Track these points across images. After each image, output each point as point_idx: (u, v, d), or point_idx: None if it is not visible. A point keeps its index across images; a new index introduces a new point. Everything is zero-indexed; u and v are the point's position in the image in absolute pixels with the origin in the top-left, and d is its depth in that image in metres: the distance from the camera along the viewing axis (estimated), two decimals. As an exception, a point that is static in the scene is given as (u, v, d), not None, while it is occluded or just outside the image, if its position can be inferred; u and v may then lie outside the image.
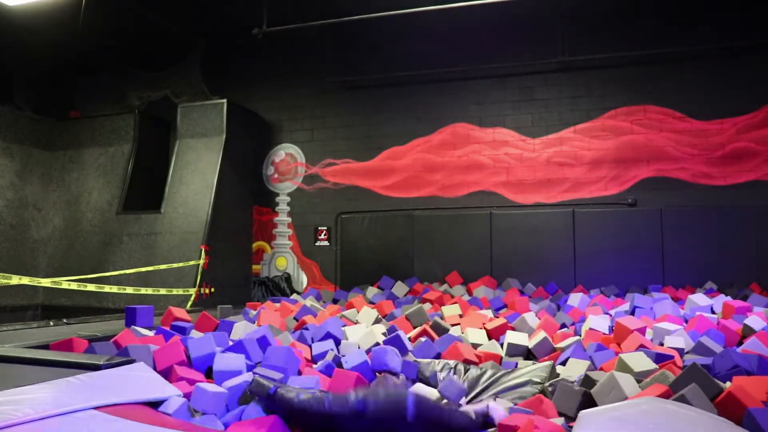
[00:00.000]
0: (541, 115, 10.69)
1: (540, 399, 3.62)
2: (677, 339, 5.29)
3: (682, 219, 9.67)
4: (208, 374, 4.40)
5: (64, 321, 7.09)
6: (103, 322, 7.19)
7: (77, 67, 13.33)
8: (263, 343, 5.00)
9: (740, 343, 5.48)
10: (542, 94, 10.74)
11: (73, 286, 8.28)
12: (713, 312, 6.95)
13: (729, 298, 7.41)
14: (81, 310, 10.09)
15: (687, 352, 5.09)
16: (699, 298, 7.24)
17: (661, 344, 5.34)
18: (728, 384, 3.76)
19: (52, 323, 6.89)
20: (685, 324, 6.21)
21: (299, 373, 4.66)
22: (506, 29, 10.77)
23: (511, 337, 5.57)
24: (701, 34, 9.93)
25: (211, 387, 3.73)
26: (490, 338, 5.90)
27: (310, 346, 5.43)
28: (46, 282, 8.72)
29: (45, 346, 4.86)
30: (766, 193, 9.52)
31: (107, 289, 8.59)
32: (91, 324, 6.97)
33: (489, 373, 4.38)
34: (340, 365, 4.75)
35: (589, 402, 3.63)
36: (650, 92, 10.19)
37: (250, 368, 4.42)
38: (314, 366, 4.91)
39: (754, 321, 5.77)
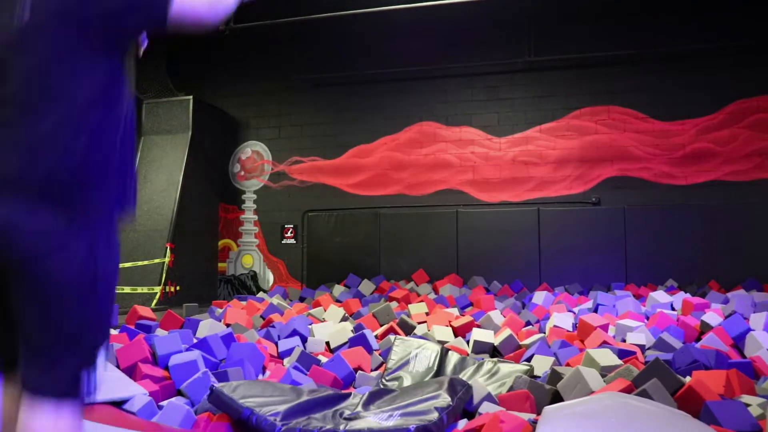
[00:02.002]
0: (507, 114, 10.79)
1: (526, 394, 3.66)
2: (639, 335, 5.40)
3: (644, 218, 9.85)
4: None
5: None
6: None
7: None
8: (228, 340, 4.98)
9: (699, 339, 5.61)
10: (508, 94, 10.84)
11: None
12: (673, 309, 7.09)
13: (688, 295, 7.57)
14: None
15: (648, 348, 5.19)
16: (660, 296, 7.39)
17: (624, 340, 5.44)
18: (688, 378, 3.86)
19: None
20: (646, 321, 6.34)
21: (264, 369, 4.67)
22: (473, 29, 10.84)
23: (477, 334, 5.62)
24: (663, 38, 10.13)
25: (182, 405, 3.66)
26: (456, 336, 5.94)
27: (276, 343, 5.43)
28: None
29: (5, 346, 4.75)
30: (725, 192, 9.74)
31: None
32: (52, 323, 6.84)
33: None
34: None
35: (555, 397, 3.69)
36: (614, 93, 10.36)
37: (214, 365, 4.41)
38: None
39: (711, 317, 5.91)
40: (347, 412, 3.35)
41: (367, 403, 3.47)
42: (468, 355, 5.10)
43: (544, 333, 5.96)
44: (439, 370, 4.54)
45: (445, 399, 3.34)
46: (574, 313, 6.83)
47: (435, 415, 3.11)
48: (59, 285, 1.50)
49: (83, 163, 1.52)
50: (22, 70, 1.49)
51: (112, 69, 1.59)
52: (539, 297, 7.96)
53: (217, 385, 3.39)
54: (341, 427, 3.07)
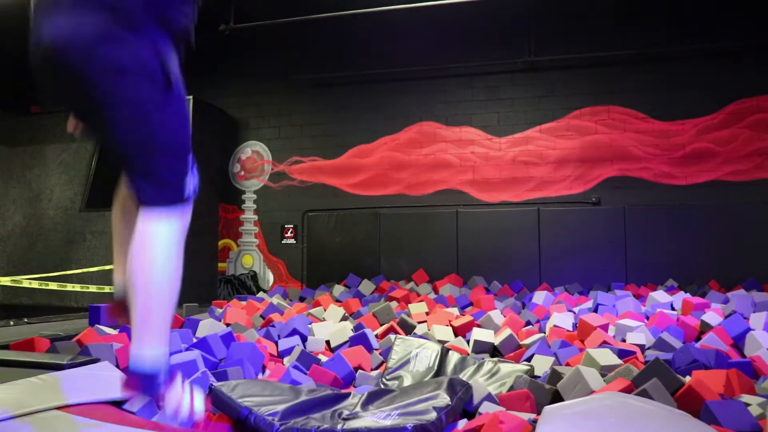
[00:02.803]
0: (507, 114, 10.80)
1: (526, 394, 3.66)
2: (639, 335, 5.40)
3: (644, 218, 9.86)
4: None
5: (26, 320, 6.95)
6: (65, 321, 7.07)
7: (38, 62, 13.06)
8: (227, 339, 4.98)
9: (698, 339, 5.62)
10: (508, 94, 10.84)
11: (35, 284, 8.14)
12: (673, 309, 7.10)
13: (688, 295, 7.57)
14: (43, 309, 9.91)
15: (648, 348, 5.19)
16: (660, 296, 7.39)
17: (623, 340, 5.45)
18: (688, 378, 3.86)
19: (12, 323, 6.76)
20: (646, 320, 6.34)
21: (263, 368, 4.67)
22: (473, 29, 10.85)
23: (478, 334, 5.62)
24: (663, 38, 10.13)
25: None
26: (456, 335, 5.94)
27: (276, 343, 5.43)
28: (5, 280, 8.55)
29: (5, 347, 4.76)
30: (725, 192, 9.75)
31: (70, 287, 8.46)
32: (53, 323, 6.85)
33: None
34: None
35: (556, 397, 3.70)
36: (614, 93, 10.36)
37: (213, 365, 4.41)
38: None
39: (711, 317, 5.91)
40: (346, 412, 3.35)
41: (366, 403, 3.47)
42: (468, 354, 5.10)
43: (544, 333, 5.96)
44: (440, 370, 4.54)
45: (444, 399, 3.34)
46: (574, 313, 6.83)
47: (433, 415, 3.11)
48: (138, 93, 1.71)
49: None
50: None
51: None
52: (539, 297, 7.96)
53: (216, 384, 3.39)
54: (339, 427, 3.07)
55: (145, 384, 1.87)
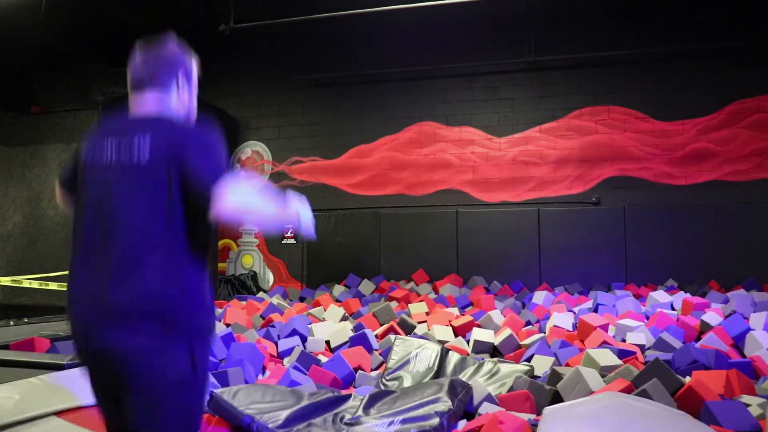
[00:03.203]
0: (507, 114, 10.79)
1: (526, 395, 3.66)
2: (639, 335, 5.40)
3: (644, 218, 9.85)
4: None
5: (25, 320, 6.94)
6: (65, 321, 7.06)
7: (39, 61, 13.06)
8: (228, 340, 4.98)
9: (698, 339, 5.62)
10: (508, 94, 10.84)
11: (35, 284, 8.14)
12: (673, 309, 7.10)
13: (688, 295, 7.57)
14: (43, 309, 9.91)
15: (648, 348, 5.20)
16: (660, 296, 7.40)
17: (623, 340, 5.45)
18: (688, 378, 3.86)
19: (12, 323, 6.75)
20: (646, 320, 6.35)
21: (263, 369, 4.67)
22: (473, 29, 10.84)
23: (478, 334, 5.63)
24: (663, 38, 10.12)
25: None
26: (456, 335, 5.95)
27: (276, 343, 5.43)
28: (5, 280, 8.56)
29: (5, 347, 4.76)
30: (724, 193, 9.74)
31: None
32: (53, 323, 6.84)
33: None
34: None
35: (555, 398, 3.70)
36: (614, 93, 10.35)
37: (214, 365, 4.41)
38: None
39: (711, 317, 5.91)
40: (348, 416, 3.35)
41: (368, 407, 3.47)
42: (468, 354, 5.10)
43: (544, 333, 5.96)
44: (440, 370, 4.54)
45: (445, 403, 3.34)
46: (574, 313, 6.84)
47: (436, 420, 3.12)
48: (162, 390, 1.82)
49: (178, 297, 1.87)
50: (125, 209, 1.87)
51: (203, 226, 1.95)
52: (539, 297, 7.97)
53: (217, 390, 3.39)
54: None
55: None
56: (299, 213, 1.94)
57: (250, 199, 1.79)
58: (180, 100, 2.09)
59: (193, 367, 1.85)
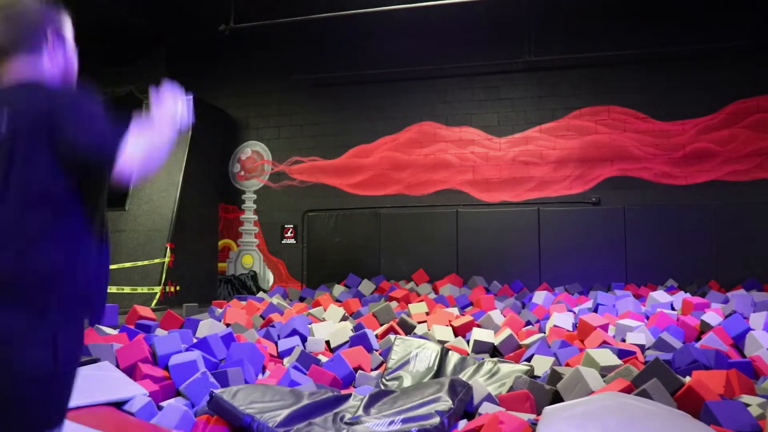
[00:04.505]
0: (507, 114, 10.79)
1: (526, 394, 3.66)
2: (639, 335, 5.40)
3: (644, 218, 9.86)
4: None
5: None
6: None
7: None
8: (227, 340, 4.98)
9: (698, 339, 5.61)
10: (508, 94, 10.84)
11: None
12: (673, 309, 7.10)
13: (688, 295, 7.57)
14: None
15: (648, 348, 5.19)
16: (660, 296, 7.39)
17: (624, 340, 5.45)
18: (688, 378, 3.86)
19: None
20: (646, 320, 6.34)
21: (263, 369, 4.66)
22: (473, 29, 10.84)
23: (478, 334, 5.63)
24: (663, 38, 10.13)
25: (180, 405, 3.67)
26: (456, 335, 5.94)
27: (276, 343, 5.43)
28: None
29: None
30: (724, 192, 9.74)
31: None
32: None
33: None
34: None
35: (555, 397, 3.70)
36: (614, 93, 10.36)
37: (213, 365, 4.41)
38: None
39: (711, 317, 5.91)
40: (348, 416, 3.35)
41: (368, 406, 3.47)
42: (468, 354, 5.10)
43: (544, 333, 5.96)
44: (440, 370, 4.54)
45: (446, 402, 3.34)
46: (574, 313, 6.83)
47: (436, 420, 3.11)
48: (16, 378, 1.59)
49: (39, 269, 1.65)
50: None
51: (71, 197, 1.72)
52: (539, 297, 7.97)
53: (217, 390, 3.38)
54: None
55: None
56: (172, 112, 1.80)
57: (140, 145, 1.67)
58: (53, 62, 1.90)
59: (54, 358, 1.64)
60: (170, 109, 1.80)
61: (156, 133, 1.73)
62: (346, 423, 3.26)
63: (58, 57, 1.92)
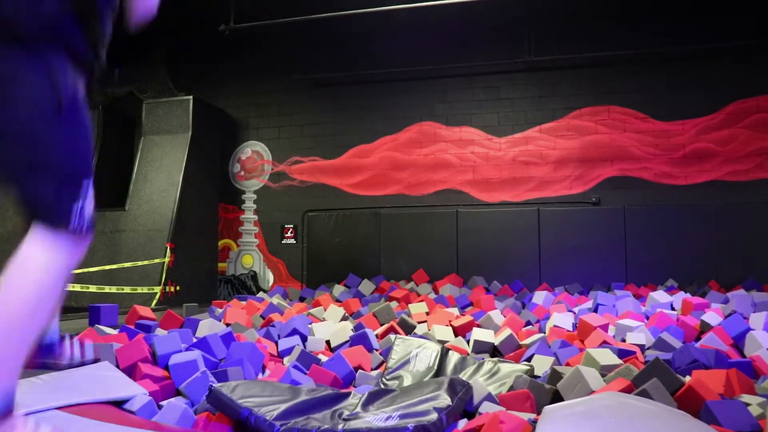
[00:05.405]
0: (507, 114, 10.80)
1: (526, 394, 3.66)
2: (638, 335, 5.40)
3: (644, 218, 9.86)
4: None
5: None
6: (65, 321, 7.07)
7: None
8: (227, 339, 4.98)
9: (698, 339, 5.61)
10: (508, 94, 10.84)
11: (34, 284, 8.11)
12: (673, 309, 7.09)
13: (688, 295, 7.57)
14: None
15: (648, 348, 5.19)
16: (660, 296, 7.39)
17: (623, 340, 5.44)
18: (688, 378, 3.86)
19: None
20: (646, 321, 6.34)
21: (263, 368, 4.66)
22: (473, 29, 10.84)
23: (478, 334, 5.62)
24: (663, 38, 10.13)
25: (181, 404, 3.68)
26: (456, 335, 5.94)
27: (276, 343, 5.43)
28: (6, 280, 8.53)
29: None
30: (724, 193, 9.75)
31: (69, 287, 8.44)
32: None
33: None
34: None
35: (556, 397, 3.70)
36: (614, 93, 10.36)
37: (213, 365, 4.41)
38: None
39: (711, 317, 5.91)
40: (346, 412, 3.35)
41: (367, 404, 3.47)
42: (468, 354, 5.10)
43: (544, 333, 5.96)
44: (440, 370, 4.53)
45: (444, 400, 3.33)
46: (574, 313, 6.83)
47: (434, 416, 3.11)
48: (21, 110, 1.67)
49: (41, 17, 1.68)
50: None
51: None
52: (539, 297, 7.96)
53: (216, 385, 3.39)
54: (340, 427, 3.07)
55: None
56: None
57: None
58: None
59: (53, 90, 1.71)
60: None
61: None
62: (343, 419, 3.26)
63: None
